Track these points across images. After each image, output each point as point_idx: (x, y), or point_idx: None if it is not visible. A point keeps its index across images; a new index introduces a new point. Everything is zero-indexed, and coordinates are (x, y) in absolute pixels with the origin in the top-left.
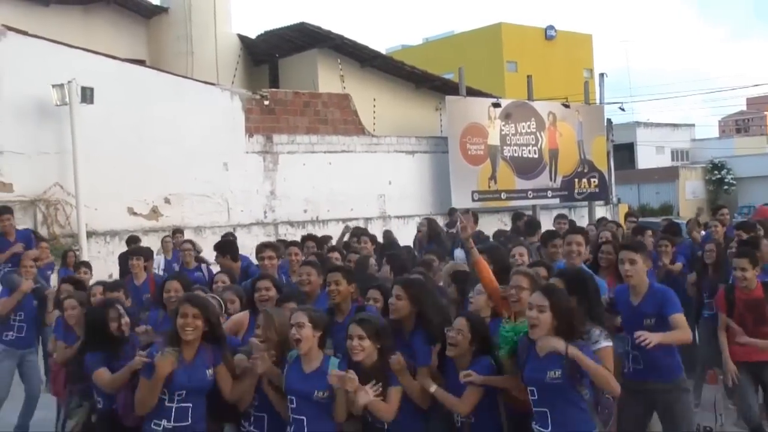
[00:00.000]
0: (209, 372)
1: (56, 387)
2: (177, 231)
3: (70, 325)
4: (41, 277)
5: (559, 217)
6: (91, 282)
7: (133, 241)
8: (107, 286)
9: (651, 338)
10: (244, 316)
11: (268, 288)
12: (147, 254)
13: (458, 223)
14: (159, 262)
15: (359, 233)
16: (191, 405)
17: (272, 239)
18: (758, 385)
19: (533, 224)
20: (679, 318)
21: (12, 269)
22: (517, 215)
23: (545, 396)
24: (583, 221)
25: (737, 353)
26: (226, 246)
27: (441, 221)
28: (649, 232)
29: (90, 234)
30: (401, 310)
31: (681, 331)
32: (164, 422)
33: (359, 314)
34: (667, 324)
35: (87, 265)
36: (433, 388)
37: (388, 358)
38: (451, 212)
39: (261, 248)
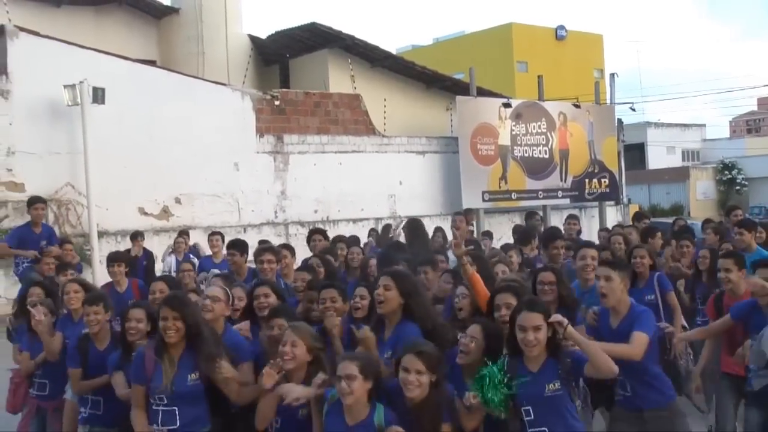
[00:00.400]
0: (191, 376)
1: (15, 401)
2: (183, 233)
3: (36, 334)
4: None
5: (570, 218)
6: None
7: (135, 237)
8: (86, 301)
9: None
10: (244, 326)
11: (267, 295)
12: (127, 260)
13: (451, 239)
14: (170, 263)
15: (387, 229)
16: (177, 408)
17: (283, 239)
18: (740, 399)
19: (527, 233)
20: (639, 337)
21: (31, 265)
22: (529, 214)
23: (544, 412)
24: (593, 221)
25: (728, 365)
26: (241, 244)
27: (450, 221)
28: (659, 234)
29: (101, 234)
30: (390, 301)
31: (629, 346)
32: (155, 426)
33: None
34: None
35: (72, 266)
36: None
37: (441, 390)
38: (467, 212)
39: (260, 252)
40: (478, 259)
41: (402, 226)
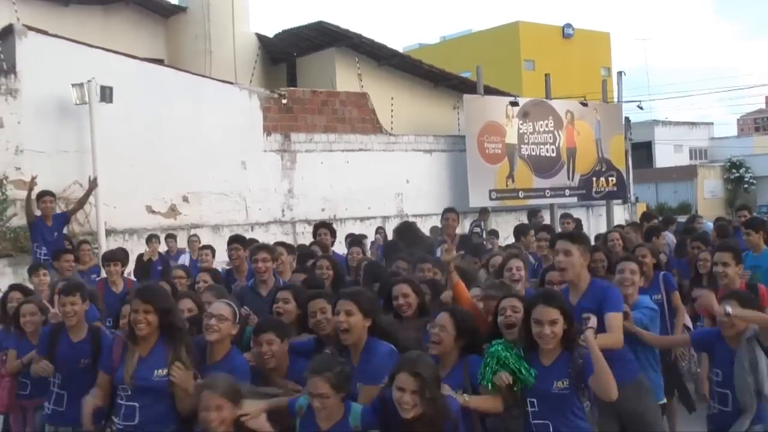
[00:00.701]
0: (158, 372)
1: (9, 401)
2: (170, 236)
3: (25, 333)
4: (87, 280)
5: (564, 217)
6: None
7: (150, 239)
8: (62, 291)
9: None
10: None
11: (287, 300)
12: (124, 259)
13: (442, 246)
14: (184, 261)
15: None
16: (138, 404)
17: (290, 238)
18: None
19: (519, 230)
20: (614, 318)
21: (48, 259)
22: (532, 212)
23: (548, 407)
24: (601, 220)
25: None
26: (244, 239)
27: (441, 218)
28: (663, 234)
29: (109, 232)
30: (355, 327)
31: (609, 334)
32: (116, 419)
33: (410, 361)
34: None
35: (45, 267)
36: (467, 397)
37: (439, 406)
38: (483, 211)
39: (255, 250)
40: (461, 270)
41: (393, 230)
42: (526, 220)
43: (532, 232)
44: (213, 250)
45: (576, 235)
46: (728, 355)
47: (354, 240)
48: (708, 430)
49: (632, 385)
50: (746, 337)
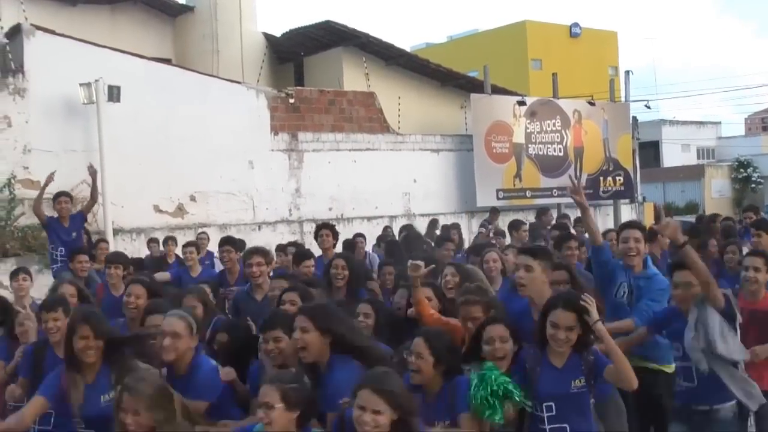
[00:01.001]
0: (104, 397)
1: None
2: (170, 238)
3: (19, 342)
4: (102, 280)
5: (561, 218)
6: (31, 291)
7: (166, 241)
8: (44, 306)
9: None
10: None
11: (293, 302)
12: (126, 262)
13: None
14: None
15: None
16: None
17: (297, 237)
18: None
19: (511, 225)
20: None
21: (65, 259)
22: (541, 210)
23: (567, 408)
24: (608, 219)
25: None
26: (236, 241)
27: (465, 219)
28: None
29: (116, 231)
30: (312, 344)
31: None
32: None
33: (374, 376)
34: None
35: (26, 271)
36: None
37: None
38: (493, 211)
39: (248, 254)
40: (461, 269)
41: (400, 237)
42: (533, 220)
43: (524, 226)
44: (197, 247)
45: (538, 250)
46: (684, 326)
47: (346, 245)
48: (675, 408)
49: (605, 404)
50: (698, 298)
